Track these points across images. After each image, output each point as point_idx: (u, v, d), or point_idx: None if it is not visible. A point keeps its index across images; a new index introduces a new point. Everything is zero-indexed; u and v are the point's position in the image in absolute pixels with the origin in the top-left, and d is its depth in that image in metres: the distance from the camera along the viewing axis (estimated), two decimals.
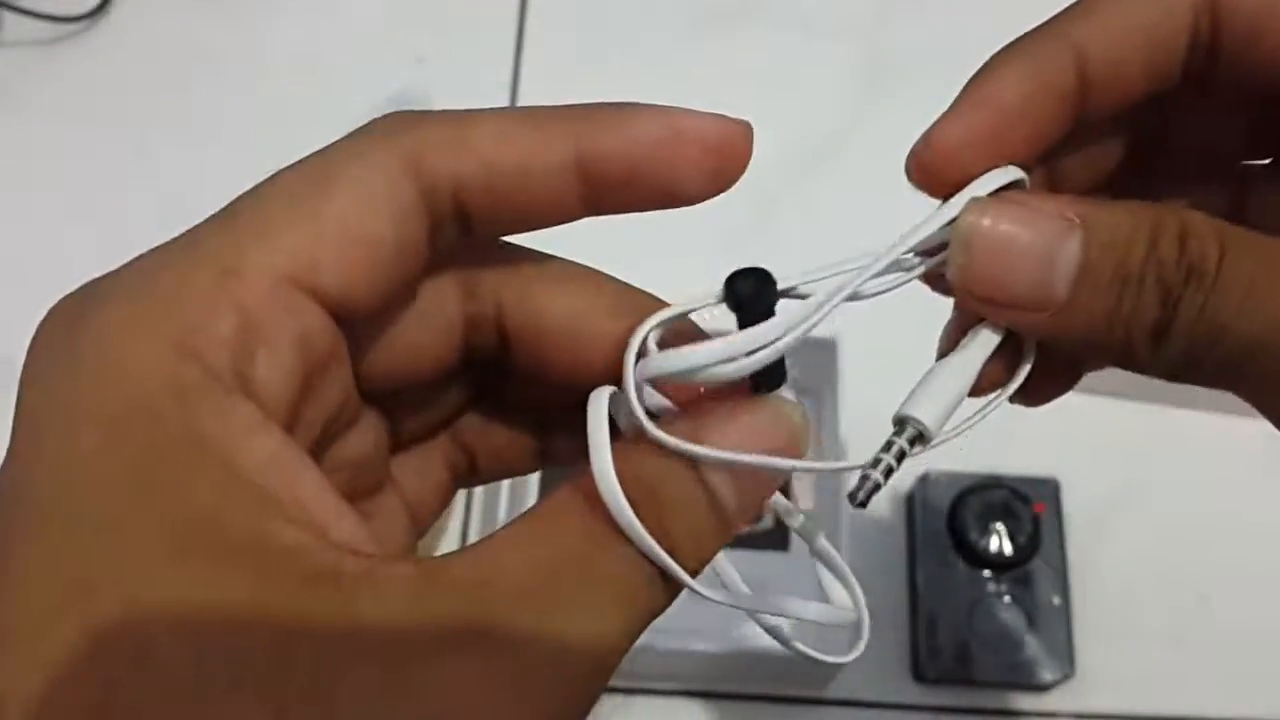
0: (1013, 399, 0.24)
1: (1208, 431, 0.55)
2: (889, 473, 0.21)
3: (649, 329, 0.21)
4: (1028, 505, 0.51)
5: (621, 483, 0.19)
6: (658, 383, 0.21)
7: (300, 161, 0.20)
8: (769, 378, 0.21)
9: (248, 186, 0.20)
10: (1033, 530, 0.51)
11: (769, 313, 0.20)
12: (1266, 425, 0.23)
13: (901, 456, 0.21)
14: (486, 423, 0.26)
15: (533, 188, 0.21)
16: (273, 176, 0.20)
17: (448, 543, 0.53)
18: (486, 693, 0.17)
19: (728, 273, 0.20)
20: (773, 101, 0.64)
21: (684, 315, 0.21)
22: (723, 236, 0.52)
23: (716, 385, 0.20)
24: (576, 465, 0.20)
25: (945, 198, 0.22)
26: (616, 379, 0.21)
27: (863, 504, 0.21)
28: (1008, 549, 0.51)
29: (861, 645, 0.22)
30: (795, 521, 0.23)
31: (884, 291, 0.22)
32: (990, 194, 0.22)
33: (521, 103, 0.63)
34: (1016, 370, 0.23)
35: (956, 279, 0.22)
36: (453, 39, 0.66)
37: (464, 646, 0.17)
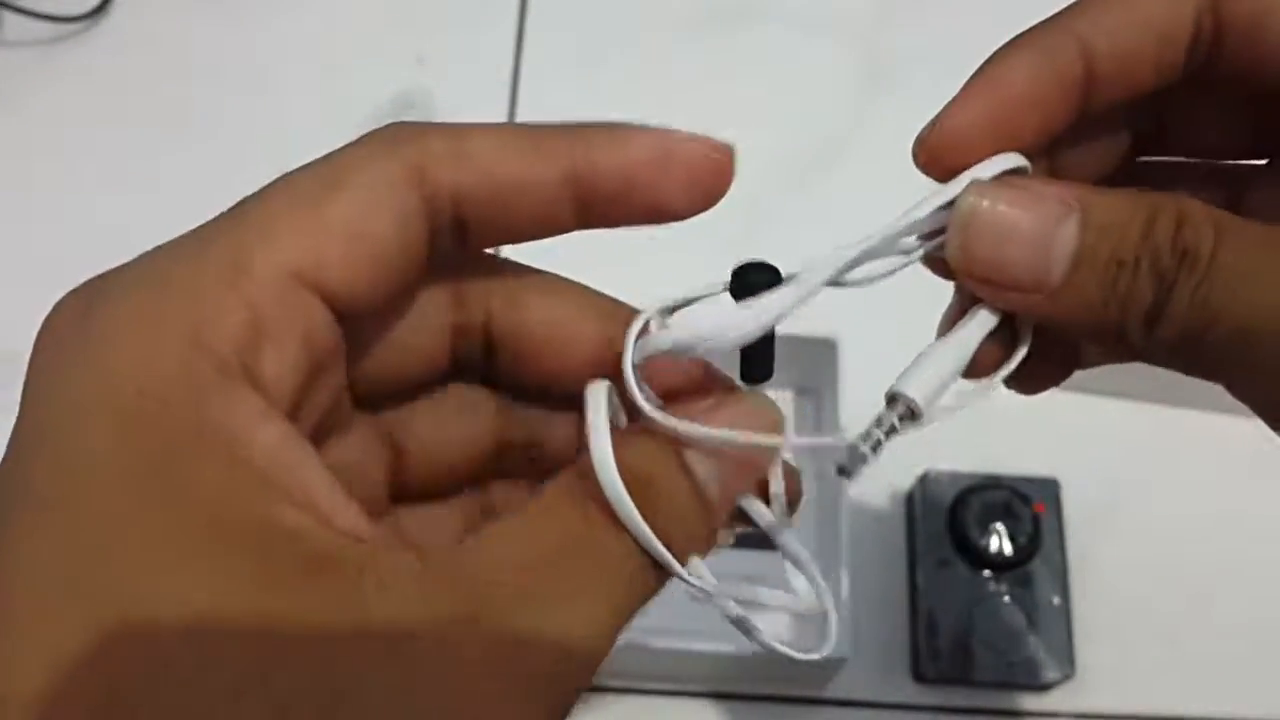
0: (1008, 385, 0.24)
1: (1208, 431, 0.55)
2: (877, 446, 0.21)
3: (652, 313, 0.21)
4: (1028, 505, 0.51)
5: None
6: (654, 365, 0.21)
7: (306, 165, 0.21)
8: (761, 365, 0.21)
9: (248, 186, 0.21)
10: (1033, 530, 0.51)
11: None
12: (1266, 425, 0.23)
13: (892, 432, 0.21)
14: None
15: (529, 201, 0.21)
16: (280, 179, 0.21)
17: None
18: (490, 688, 0.18)
19: (726, 271, 0.21)
20: (772, 101, 0.64)
21: (689, 302, 0.22)
22: (722, 236, 0.52)
23: (719, 352, 0.20)
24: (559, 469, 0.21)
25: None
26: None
27: (848, 474, 0.21)
28: (1008, 549, 0.51)
29: (831, 643, 0.23)
30: (763, 519, 0.23)
31: (886, 274, 0.22)
32: (991, 178, 0.22)
33: (521, 103, 0.63)
34: (1012, 354, 0.23)
35: (955, 259, 0.22)
36: (453, 39, 0.66)
37: (468, 641, 0.18)
